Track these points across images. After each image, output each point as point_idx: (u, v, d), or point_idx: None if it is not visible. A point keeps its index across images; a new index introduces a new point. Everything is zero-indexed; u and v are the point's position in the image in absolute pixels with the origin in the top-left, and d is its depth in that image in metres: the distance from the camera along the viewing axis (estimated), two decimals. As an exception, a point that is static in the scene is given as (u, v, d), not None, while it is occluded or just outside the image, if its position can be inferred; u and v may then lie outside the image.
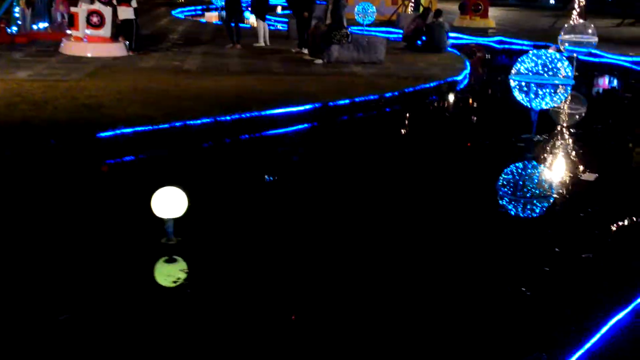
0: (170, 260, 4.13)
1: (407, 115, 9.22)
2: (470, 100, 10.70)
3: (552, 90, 7.29)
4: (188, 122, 6.90)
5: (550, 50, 12.80)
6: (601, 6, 32.22)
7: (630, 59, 14.45)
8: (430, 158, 6.92)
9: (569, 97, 9.76)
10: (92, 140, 6.13)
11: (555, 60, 7.35)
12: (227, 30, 13.59)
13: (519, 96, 7.51)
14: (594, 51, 15.18)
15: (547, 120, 8.31)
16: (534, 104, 7.43)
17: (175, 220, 4.31)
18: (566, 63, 7.37)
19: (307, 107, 8.19)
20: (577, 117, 9.32)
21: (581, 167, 6.60)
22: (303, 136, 7.78)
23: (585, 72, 13.16)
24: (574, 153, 7.20)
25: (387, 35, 18.45)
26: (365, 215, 5.11)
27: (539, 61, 7.36)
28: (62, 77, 8.98)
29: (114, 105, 7.38)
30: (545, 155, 7.05)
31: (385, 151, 7.17)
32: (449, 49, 14.96)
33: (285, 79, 10.17)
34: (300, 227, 4.83)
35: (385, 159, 6.83)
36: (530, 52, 7.52)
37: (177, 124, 6.85)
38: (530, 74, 7.41)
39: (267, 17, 14.70)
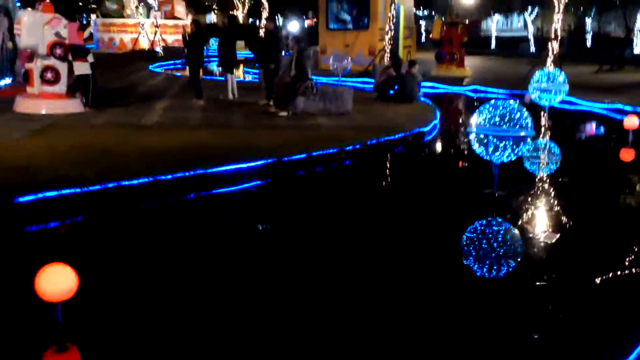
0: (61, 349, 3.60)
1: (367, 169, 8.76)
2: (435, 153, 10.31)
3: (512, 143, 6.89)
4: (122, 183, 6.43)
5: (526, 98, 12.64)
6: (580, 53, 32.55)
7: (605, 105, 14.24)
8: (383, 217, 6.45)
9: (536, 148, 9.43)
10: (8, 205, 5.64)
11: (515, 111, 6.97)
12: (192, 82, 13.25)
13: (478, 149, 7.11)
14: (569, 99, 15.01)
15: (513, 173, 7.91)
16: (493, 158, 7.02)
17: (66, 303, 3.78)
18: (525, 113, 6.99)
19: (259, 162, 7.75)
20: (543, 169, 8.92)
21: (541, 227, 6.14)
22: (250, 195, 7.30)
23: (558, 121, 12.88)
24: (535, 211, 6.74)
25: (362, 86, 18.41)
26: (306, 288, 4.60)
27: (497, 112, 6.98)
28: (1, 136, 8.53)
29: (45, 165, 6.90)
30: (505, 212, 6.60)
31: (337, 210, 6.70)
32: (422, 99, 14.72)
33: (243, 133, 9.78)
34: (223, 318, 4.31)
35: (335, 219, 6.36)
36: (488, 103, 7.15)
37: (110, 184, 6.38)
38: (488, 125, 7.02)
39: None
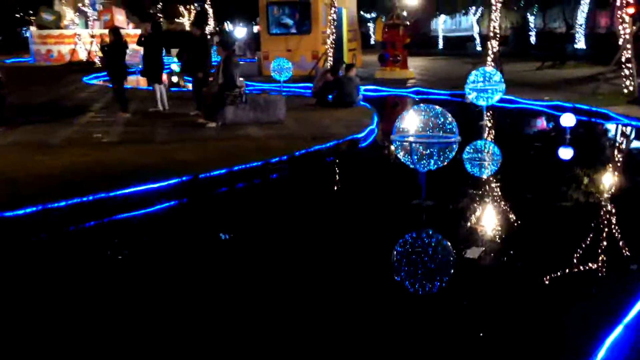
0: None
1: (292, 183, 8.18)
2: (367, 161, 9.81)
3: (438, 149, 6.47)
4: (4, 214, 5.74)
5: (468, 99, 12.28)
6: (525, 50, 32.83)
7: (545, 103, 14.09)
8: (301, 237, 5.93)
9: (471, 150, 9.06)
10: None
11: (440, 115, 6.56)
12: (116, 95, 12.48)
13: (402, 158, 6.67)
14: (509, 97, 14.82)
15: (443, 180, 7.51)
16: (419, 166, 6.58)
17: None
18: (450, 118, 6.59)
19: (172, 181, 7.13)
20: (478, 172, 8.56)
21: (467, 241, 5.71)
22: (156, 220, 6.62)
23: (496, 120, 12.62)
24: (463, 222, 6.31)
25: (303, 91, 17.91)
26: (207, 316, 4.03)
27: (421, 117, 6.56)
28: None
29: None
30: (432, 224, 6.16)
31: (254, 229, 6.15)
32: (362, 103, 14.30)
33: (162, 147, 9.13)
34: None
35: (251, 240, 5.81)
36: (412, 108, 6.71)
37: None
38: (413, 131, 6.59)
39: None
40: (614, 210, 6.52)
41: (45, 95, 16.26)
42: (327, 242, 5.72)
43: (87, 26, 34.01)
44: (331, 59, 21.48)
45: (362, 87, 18.70)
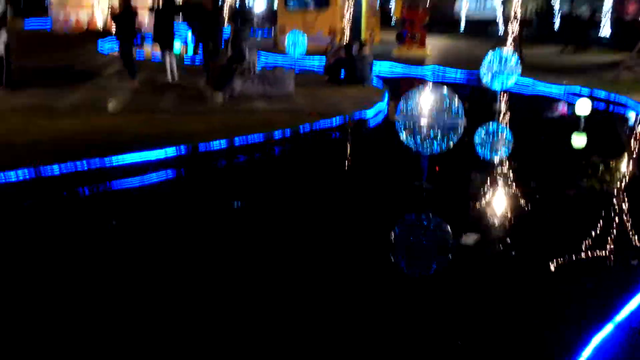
0: None
1: (293, 158, 8.03)
2: (373, 140, 9.61)
3: (442, 132, 6.27)
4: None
5: (483, 82, 11.95)
6: (550, 34, 32.10)
7: (563, 88, 13.72)
8: (295, 218, 5.80)
9: (480, 134, 8.85)
10: None
11: (446, 98, 6.35)
12: (125, 62, 12.31)
13: (405, 139, 6.48)
14: (527, 81, 14.49)
15: (447, 164, 7.32)
16: (421, 148, 6.40)
17: None
18: (457, 100, 6.37)
19: (169, 151, 7.02)
20: (486, 156, 8.35)
21: (465, 225, 5.54)
22: (149, 191, 6.50)
23: (510, 105, 12.32)
24: (462, 207, 6.14)
25: (317, 67, 17.66)
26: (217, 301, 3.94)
27: (426, 99, 6.35)
28: None
29: None
30: (428, 208, 6.00)
31: (248, 207, 6.04)
32: (374, 80, 14.04)
33: (167, 118, 9.01)
34: None
35: (244, 219, 5.70)
36: (417, 89, 6.50)
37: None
38: (417, 113, 6.38)
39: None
40: (617, 204, 6.30)
41: (58, 61, 16.17)
42: (321, 224, 5.59)
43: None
44: (348, 35, 21.18)
45: (378, 63, 18.53)
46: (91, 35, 28.09)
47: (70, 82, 12.30)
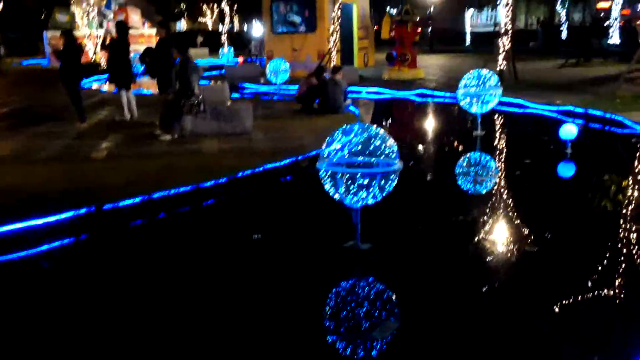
0: None
1: (220, 212, 6.78)
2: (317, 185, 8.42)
3: (372, 180, 5.17)
4: None
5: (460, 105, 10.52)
6: (554, 46, 30.87)
7: (555, 108, 12.53)
8: (196, 292, 4.73)
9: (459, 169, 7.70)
10: None
11: (376, 137, 5.26)
12: (73, 102, 11.40)
13: (330, 190, 5.39)
14: (518, 101, 13.39)
15: (393, 215, 6.22)
16: (348, 200, 5.30)
17: None
18: (390, 140, 5.28)
19: (61, 216, 5.97)
20: (439, 209, 7.21)
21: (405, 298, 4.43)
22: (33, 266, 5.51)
23: (492, 130, 11.14)
24: (408, 273, 5.03)
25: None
26: None
27: (353, 139, 5.27)
28: None
29: None
30: (369, 274, 4.91)
31: (136, 277, 4.98)
32: (351, 108, 12.98)
33: (90, 167, 8.03)
34: None
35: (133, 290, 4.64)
36: (341, 128, 5.40)
37: None
38: (347, 155, 5.29)
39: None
40: (599, 250, 5.12)
41: (24, 101, 15.46)
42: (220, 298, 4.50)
43: (101, 26, 33.45)
44: (334, 58, 20.21)
45: (365, 89, 17.51)
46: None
47: (17, 124, 11.45)
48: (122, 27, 12.02)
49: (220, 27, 37.25)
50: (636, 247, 5.36)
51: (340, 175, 5.18)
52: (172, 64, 10.74)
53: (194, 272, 5.09)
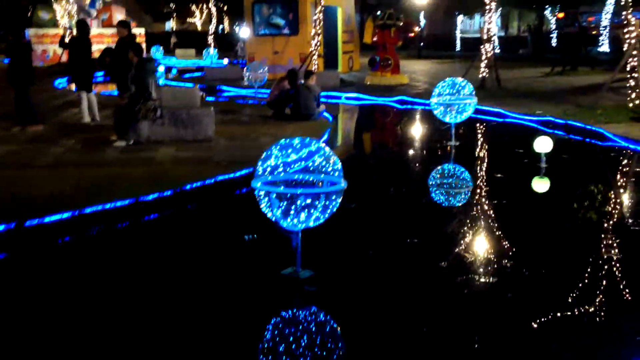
0: None
1: (153, 231, 6.24)
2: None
3: (313, 200, 4.65)
4: None
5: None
6: (543, 53, 30.47)
7: (535, 118, 12.05)
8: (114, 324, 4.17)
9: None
10: None
11: (317, 154, 4.74)
12: (16, 105, 10.74)
13: (266, 211, 4.85)
14: (499, 110, 12.93)
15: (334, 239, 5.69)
16: (285, 224, 4.76)
17: None
18: (334, 158, 4.76)
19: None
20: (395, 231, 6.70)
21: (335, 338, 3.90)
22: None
23: (467, 141, 10.64)
24: (352, 305, 4.50)
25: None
26: None
27: (292, 155, 4.74)
28: None
29: None
30: (300, 311, 4.37)
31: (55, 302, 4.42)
32: (324, 115, 12.44)
33: (29, 174, 7.46)
34: None
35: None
36: (279, 143, 4.87)
37: None
38: (286, 172, 4.75)
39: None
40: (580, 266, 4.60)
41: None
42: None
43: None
44: (316, 61, 19.72)
45: (344, 95, 17.01)
46: (60, 67, 26.93)
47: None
48: (83, 26, 11.47)
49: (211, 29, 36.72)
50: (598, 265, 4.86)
51: (274, 195, 4.64)
52: (131, 66, 10.20)
53: (110, 304, 4.53)
